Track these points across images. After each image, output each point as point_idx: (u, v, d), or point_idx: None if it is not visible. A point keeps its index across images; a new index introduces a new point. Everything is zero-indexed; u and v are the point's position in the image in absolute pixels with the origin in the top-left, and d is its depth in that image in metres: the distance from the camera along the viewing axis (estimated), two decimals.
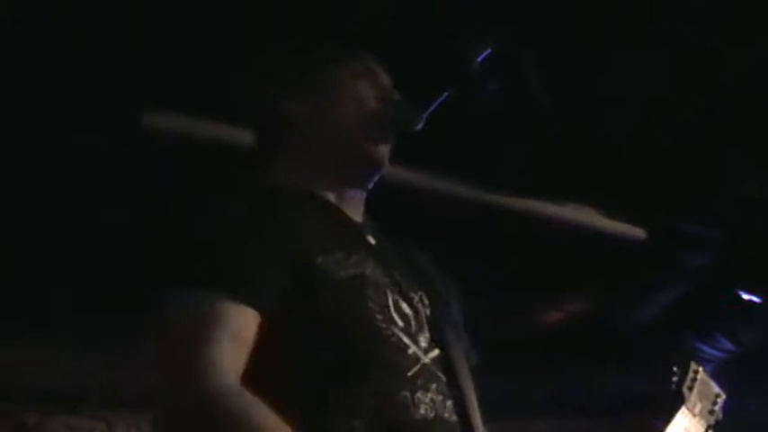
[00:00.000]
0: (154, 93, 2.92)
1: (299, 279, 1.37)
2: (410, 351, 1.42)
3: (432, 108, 1.69)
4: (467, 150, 3.24)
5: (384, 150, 1.65)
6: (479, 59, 1.64)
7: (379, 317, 1.41)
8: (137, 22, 2.67)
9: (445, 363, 1.48)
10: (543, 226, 3.76)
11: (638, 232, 4.03)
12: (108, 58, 2.76)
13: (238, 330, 1.30)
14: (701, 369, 2.57)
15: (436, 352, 1.47)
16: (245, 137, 2.95)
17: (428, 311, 1.53)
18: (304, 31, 2.46)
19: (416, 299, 1.52)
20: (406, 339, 1.43)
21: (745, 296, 4.49)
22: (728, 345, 5.04)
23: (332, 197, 1.61)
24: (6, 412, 4.61)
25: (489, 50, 1.65)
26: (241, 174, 1.71)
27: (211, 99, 2.98)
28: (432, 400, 1.40)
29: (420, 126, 1.70)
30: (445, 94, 1.67)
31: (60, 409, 4.71)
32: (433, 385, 1.42)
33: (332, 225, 1.55)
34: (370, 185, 1.68)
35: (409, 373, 1.40)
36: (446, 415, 1.43)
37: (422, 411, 1.38)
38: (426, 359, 1.44)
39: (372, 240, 1.60)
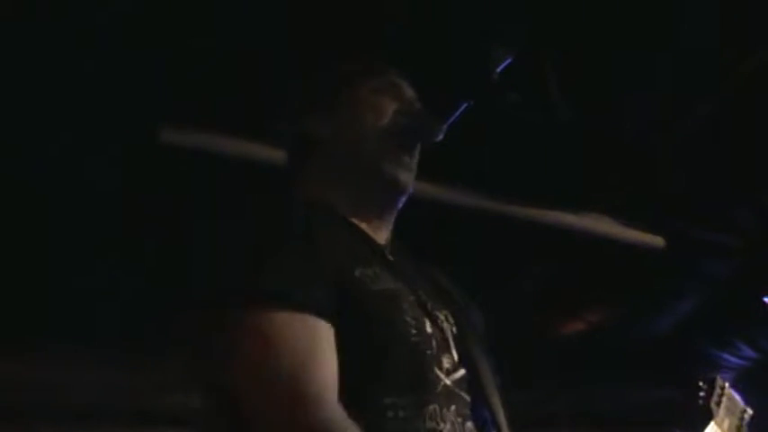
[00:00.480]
0: (171, 109, 2.93)
1: (342, 290, 1.36)
2: (437, 369, 1.42)
3: (452, 119, 1.67)
4: (484, 161, 3.23)
5: (406, 175, 1.61)
6: (500, 69, 1.63)
7: (414, 331, 1.41)
8: (154, 38, 2.68)
9: (471, 383, 1.48)
10: (563, 236, 3.74)
11: (657, 241, 4.01)
12: (125, 75, 2.77)
13: (326, 344, 1.30)
14: (726, 384, 2.55)
15: (461, 372, 1.47)
16: (262, 152, 3.01)
17: (454, 330, 1.52)
18: (324, 43, 2.46)
19: (441, 318, 1.51)
20: (435, 355, 1.42)
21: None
22: (749, 352, 5.01)
23: (355, 217, 1.60)
24: (22, 426, 4.62)
25: (510, 60, 1.63)
26: (276, 190, 1.68)
27: (228, 115, 2.99)
28: (453, 421, 1.40)
29: (440, 137, 1.68)
30: (465, 104, 1.66)
31: (75, 424, 4.72)
32: (453, 407, 1.41)
33: (358, 242, 1.54)
34: (396, 208, 1.65)
35: (437, 390, 1.40)
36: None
37: (447, 427, 1.38)
38: (448, 380, 1.43)
39: (394, 260, 1.58)
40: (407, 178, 1.62)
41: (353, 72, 1.71)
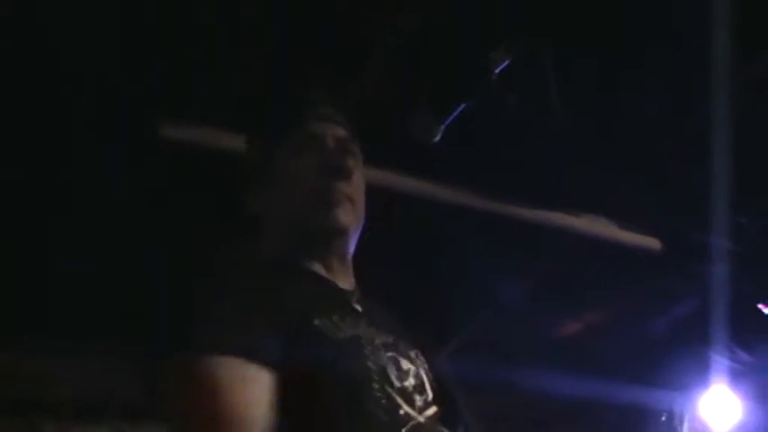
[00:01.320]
0: (170, 104, 2.94)
1: (297, 340, 1.38)
2: (401, 411, 1.42)
3: (450, 119, 1.68)
4: (481, 161, 3.23)
5: (337, 214, 1.61)
6: (498, 70, 1.64)
7: (376, 377, 1.42)
8: (154, 32, 2.68)
9: (445, 420, 1.50)
10: (558, 238, 3.75)
11: (653, 243, 4.01)
12: (125, 70, 2.78)
13: (257, 390, 1.32)
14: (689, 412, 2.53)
15: (433, 409, 1.48)
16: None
17: (426, 369, 1.54)
18: (318, 43, 2.46)
19: (412, 358, 1.52)
20: (399, 399, 1.43)
21: (765, 309, 4.47)
22: (745, 357, 5.01)
23: (318, 267, 1.62)
24: (25, 423, 4.62)
25: (508, 61, 1.64)
26: (236, 243, 1.70)
27: (228, 110, 2.99)
28: None
29: (438, 137, 1.69)
30: (463, 104, 1.67)
31: (79, 420, 4.72)
32: None
33: (321, 292, 1.56)
34: (348, 250, 1.66)
35: (404, 429, 1.41)
36: None
37: None
38: (421, 418, 1.44)
39: (359, 307, 1.59)
40: (340, 217, 1.62)
41: (273, 134, 1.71)
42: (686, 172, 3.55)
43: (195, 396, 1.29)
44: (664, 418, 2.81)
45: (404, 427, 1.40)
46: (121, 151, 3.00)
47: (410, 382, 1.46)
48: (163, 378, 1.36)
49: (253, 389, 1.30)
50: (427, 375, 1.51)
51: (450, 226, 3.43)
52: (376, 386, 1.40)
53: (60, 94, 2.81)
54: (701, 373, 5.16)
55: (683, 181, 3.63)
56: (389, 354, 1.47)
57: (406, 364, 1.48)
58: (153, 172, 3.16)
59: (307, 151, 1.64)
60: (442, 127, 1.68)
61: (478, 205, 3.41)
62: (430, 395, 1.48)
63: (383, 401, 1.40)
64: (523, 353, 4.69)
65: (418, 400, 1.45)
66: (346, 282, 1.64)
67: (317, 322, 1.42)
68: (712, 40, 2.58)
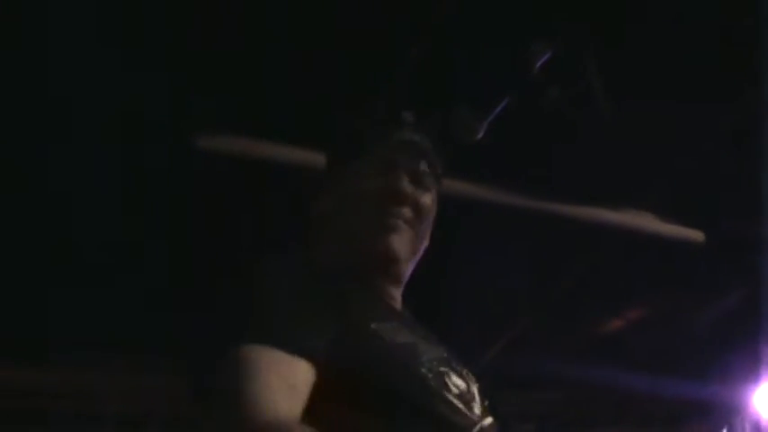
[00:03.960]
0: (206, 114, 2.94)
1: (355, 340, 1.38)
2: (465, 414, 1.42)
3: (492, 116, 1.65)
4: (522, 158, 3.20)
5: (390, 241, 1.58)
6: (539, 65, 1.61)
7: (433, 383, 1.41)
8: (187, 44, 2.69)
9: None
10: (602, 233, 3.71)
11: (697, 235, 3.96)
12: (161, 80, 2.78)
13: (292, 379, 1.29)
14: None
15: (489, 420, 1.47)
16: (295, 155, 3.01)
17: (477, 386, 1.53)
18: (361, 44, 2.45)
19: (464, 373, 1.52)
20: (460, 404, 1.43)
21: None
22: None
23: (369, 284, 1.60)
24: None
25: (549, 55, 1.61)
26: (292, 247, 1.69)
27: (262, 119, 2.99)
28: None
29: (480, 135, 1.67)
30: (505, 101, 1.64)
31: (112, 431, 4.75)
32: None
33: (375, 303, 1.55)
34: (400, 276, 1.65)
35: (474, 430, 1.40)
36: None
37: None
38: (484, 423, 1.44)
39: (411, 325, 1.58)
40: (395, 245, 1.60)
41: (354, 146, 1.70)
42: (731, 162, 3.50)
43: (230, 379, 1.27)
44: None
45: (472, 428, 1.39)
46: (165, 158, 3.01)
47: (464, 393, 1.45)
48: (208, 377, 1.33)
49: (284, 373, 1.28)
50: (478, 392, 1.50)
51: (493, 224, 3.41)
52: (434, 386, 1.40)
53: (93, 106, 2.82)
54: (752, 367, 5.08)
55: (727, 171, 3.57)
56: (443, 367, 1.46)
57: (457, 379, 1.47)
58: (190, 179, 3.17)
59: (376, 174, 1.63)
60: (485, 124, 1.64)
61: (520, 202, 3.38)
62: (482, 408, 1.46)
63: (446, 403, 1.39)
64: (568, 350, 4.65)
65: (476, 408, 1.45)
66: (396, 303, 1.64)
67: (374, 326, 1.41)
68: (759, 26, 2.54)
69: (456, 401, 1.42)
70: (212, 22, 2.67)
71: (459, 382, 1.47)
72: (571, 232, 3.68)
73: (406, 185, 1.61)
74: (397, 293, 1.65)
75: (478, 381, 1.55)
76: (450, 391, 1.42)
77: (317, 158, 2.78)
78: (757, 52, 2.77)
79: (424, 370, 1.41)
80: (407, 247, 1.61)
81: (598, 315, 4.78)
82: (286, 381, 1.28)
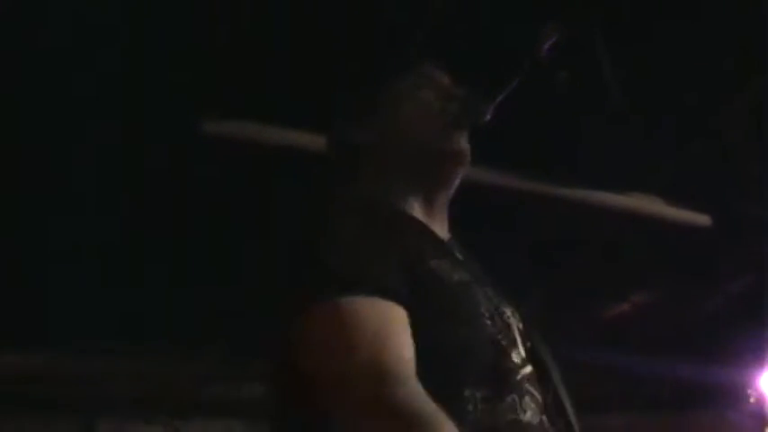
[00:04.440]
0: (212, 100, 2.94)
1: (418, 281, 1.37)
2: (514, 360, 1.42)
3: (499, 100, 1.65)
4: (529, 141, 3.20)
5: (463, 143, 1.63)
6: (547, 47, 1.60)
7: (489, 322, 1.42)
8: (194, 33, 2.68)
9: (539, 377, 1.47)
10: (608, 217, 3.71)
11: (704, 219, 3.95)
12: (166, 68, 2.78)
13: (404, 327, 1.31)
14: None
15: (528, 369, 1.45)
16: (301, 139, 3.01)
17: (520, 326, 1.51)
18: (367, 29, 2.45)
19: (508, 315, 1.50)
20: (510, 348, 1.43)
21: None
22: None
23: (418, 213, 1.61)
24: (81, 421, 4.69)
25: (557, 38, 1.60)
26: (332, 191, 1.69)
27: (268, 104, 2.99)
28: (532, 411, 1.39)
29: (488, 118, 1.66)
30: (512, 85, 1.63)
31: (132, 418, 4.77)
32: (527, 398, 1.41)
33: (428, 237, 1.55)
34: (452, 190, 1.66)
35: (517, 378, 1.40)
36: (547, 425, 1.42)
37: (528, 415, 1.37)
38: (525, 371, 1.43)
39: (460, 256, 1.58)
40: (465, 147, 1.63)
41: (386, 72, 1.75)
42: (737, 146, 3.49)
43: (351, 339, 1.27)
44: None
45: (516, 375, 1.39)
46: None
47: (510, 336, 1.45)
48: (310, 323, 1.32)
49: (404, 330, 1.29)
50: (520, 333, 1.48)
51: (499, 208, 3.41)
52: (493, 330, 1.40)
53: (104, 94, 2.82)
54: (759, 351, 5.09)
55: (733, 155, 3.57)
56: (493, 305, 1.46)
57: (507, 318, 1.47)
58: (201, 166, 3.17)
59: (425, 88, 1.67)
60: (492, 107, 1.63)
61: (526, 186, 3.38)
62: (523, 353, 1.45)
63: (497, 348, 1.40)
64: (575, 334, 4.64)
65: (515, 356, 1.43)
66: (442, 231, 1.63)
67: (432, 263, 1.42)
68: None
69: (508, 344, 1.42)
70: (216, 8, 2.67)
71: (508, 320, 1.47)
72: (577, 216, 3.68)
73: (455, 89, 1.66)
74: (442, 219, 1.64)
75: (522, 317, 1.54)
76: (503, 331, 1.43)
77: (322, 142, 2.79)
78: (766, 36, 2.76)
79: (482, 309, 1.42)
80: (469, 151, 1.64)
81: (605, 299, 4.78)
82: (405, 336, 1.29)
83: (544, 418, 1.42)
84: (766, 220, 3.97)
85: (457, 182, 1.65)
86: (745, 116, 3.33)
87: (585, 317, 4.79)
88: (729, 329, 4.87)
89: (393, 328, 1.29)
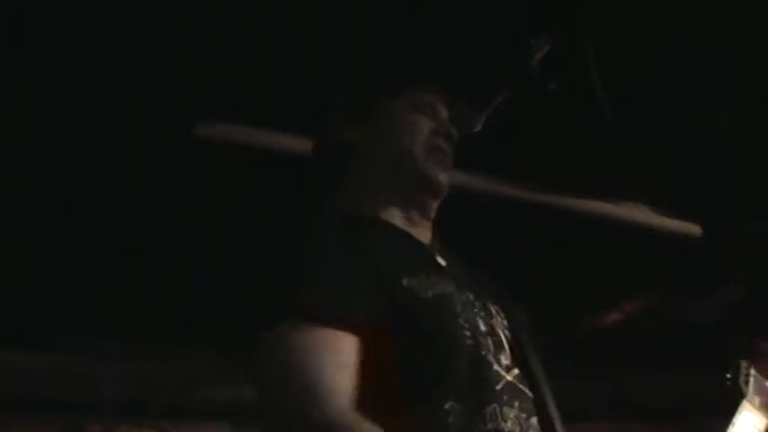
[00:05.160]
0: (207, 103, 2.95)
1: (388, 300, 1.40)
2: (494, 368, 1.44)
3: (490, 109, 1.67)
4: (519, 150, 3.21)
5: (443, 177, 1.69)
6: (538, 57, 1.62)
7: (468, 334, 1.44)
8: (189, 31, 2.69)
9: (526, 381, 1.50)
10: (599, 225, 3.72)
11: (695, 229, 3.97)
12: (162, 69, 2.79)
13: (344, 356, 1.34)
14: (751, 367, 2.58)
15: (516, 371, 1.48)
16: (295, 144, 3.02)
17: (506, 330, 1.54)
18: (363, 38, 2.46)
19: (493, 317, 1.53)
20: (490, 357, 1.45)
21: None
22: None
23: (399, 221, 1.64)
24: (71, 422, 4.68)
25: (547, 48, 1.62)
26: (310, 198, 1.72)
27: (263, 108, 3.00)
28: (516, 416, 1.41)
29: (479, 128, 1.68)
30: (504, 94, 1.65)
31: (123, 419, 4.77)
32: (517, 402, 1.44)
33: (405, 249, 1.57)
34: (433, 212, 1.70)
35: (497, 387, 1.42)
36: (533, 428, 1.45)
37: (509, 425, 1.40)
38: (509, 377, 1.46)
39: (443, 262, 1.60)
40: (445, 181, 1.69)
41: (388, 87, 1.80)
42: (728, 157, 3.51)
43: (283, 366, 1.32)
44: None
45: (497, 385, 1.42)
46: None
47: (495, 340, 1.48)
48: (261, 348, 1.37)
49: (341, 355, 1.32)
50: (504, 333, 1.52)
51: (488, 215, 3.42)
52: (470, 343, 1.42)
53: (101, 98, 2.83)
54: (749, 361, 5.10)
55: (724, 166, 3.58)
56: (477, 310, 1.49)
57: (491, 321, 1.50)
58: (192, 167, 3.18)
59: (424, 114, 1.72)
60: (483, 117, 1.65)
61: (518, 194, 3.40)
62: (509, 355, 1.49)
63: (477, 360, 1.42)
64: (566, 343, 4.66)
65: (503, 359, 1.47)
66: (426, 235, 1.67)
67: (405, 282, 1.44)
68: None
69: (488, 354, 1.44)
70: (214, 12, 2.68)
71: (492, 323, 1.50)
72: (569, 225, 3.69)
73: (451, 129, 1.71)
74: (424, 225, 1.68)
75: (508, 316, 1.57)
76: (484, 340, 1.45)
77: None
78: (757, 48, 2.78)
79: (460, 320, 1.44)
80: (446, 190, 1.70)
81: (596, 308, 4.80)
82: (337, 361, 1.32)
83: (533, 420, 1.45)
84: (758, 230, 4.00)
85: (434, 208, 1.70)
86: (738, 125, 3.34)
87: (576, 325, 4.80)
88: (719, 339, 4.89)
89: (330, 356, 1.32)
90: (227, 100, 2.92)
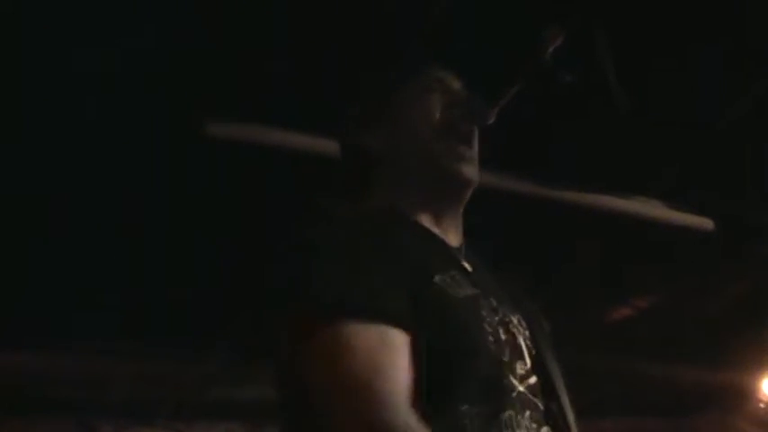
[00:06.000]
0: (216, 101, 2.94)
1: (421, 297, 1.37)
2: (513, 375, 1.43)
3: (503, 102, 1.65)
4: (531, 145, 3.20)
5: (468, 167, 1.61)
6: (552, 50, 1.60)
7: (492, 339, 1.42)
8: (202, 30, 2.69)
9: (544, 389, 1.48)
10: (611, 220, 3.71)
11: (706, 223, 3.95)
12: (171, 68, 2.79)
13: (401, 353, 1.31)
14: None
15: (534, 379, 1.47)
16: (304, 142, 3.01)
17: (526, 335, 1.52)
18: (372, 31, 2.45)
19: (514, 323, 1.51)
20: (511, 362, 1.43)
21: None
22: None
23: (427, 221, 1.60)
24: (82, 423, 4.69)
25: (561, 41, 1.60)
26: (337, 198, 1.69)
27: (271, 106, 2.99)
28: (527, 427, 1.40)
29: (491, 121, 1.66)
30: (516, 87, 1.63)
31: (134, 420, 4.78)
32: (528, 413, 1.42)
33: (434, 248, 1.54)
34: (463, 203, 1.65)
35: (513, 395, 1.41)
36: None
37: (524, 431, 1.39)
38: (521, 387, 1.43)
39: (467, 266, 1.57)
40: (471, 170, 1.62)
41: (397, 78, 1.72)
42: (740, 151, 3.50)
43: (346, 366, 1.28)
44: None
45: (513, 392, 1.39)
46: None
47: (514, 348, 1.45)
48: (311, 344, 1.33)
49: (399, 355, 1.30)
50: (525, 343, 1.49)
51: (501, 211, 3.40)
52: (492, 348, 1.40)
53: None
54: (761, 354, 5.09)
55: (736, 160, 3.57)
56: (501, 317, 1.47)
57: (513, 328, 1.48)
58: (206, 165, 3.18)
59: (434, 91, 1.65)
60: (496, 110, 1.63)
61: (529, 189, 3.38)
62: (528, 364, 1.46)
63: (497, 365, 1.40)
64: (576, 338, 4.64)
65: (519, 368, 1.44)
66: (454, 238, 1.62)
67: (437, 279, 1.41)
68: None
69: (509, 359, 1.43)
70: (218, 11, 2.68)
71: (514, 330, 1.48)
72: (580, 219, 3.68)
73: (464, 92, 1.66)
74: (455, 226, 1.64)
75: (530, 326, 1.54)
76: (505, 346, 1.43)
77: (324, 145, 2.80)
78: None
79: (485, 325, 1.42)
80: (475, 172, 1.63)
81: (606, 303, 4.78)
82: (399, 363, 1.30)
83: (544, 429, 1.43)
84: (765, 226, 3.98)
85: (467, 197, 1.64)
86: (748, 119, 3.33)
87: (586, 320, 4.78)
88: (730, 333, 4.87)
89: (387, 357, 1.29)
90: (227, 100, 2.91)
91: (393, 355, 1.30)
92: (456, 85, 1.70)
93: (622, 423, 5.64)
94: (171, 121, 2.94)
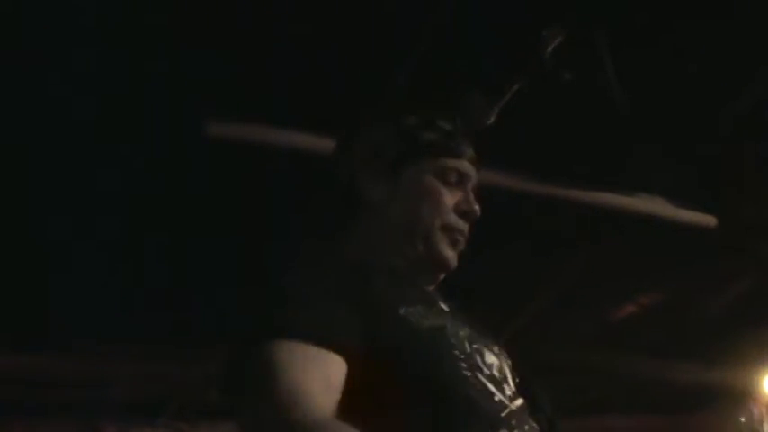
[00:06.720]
0: (215, 102, 2.94)
1: (383, 328, 1.39)
2: (496, 398, 1.43)
3: (503, 102, 1.65)
4: (535, 142, 3.20)
5: (453, 257, 1.62)
6: (551, 49, 1.60)
7: (464, 365, 1.42)
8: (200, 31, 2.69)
9: (530, 408, 1.48)
10: (614, 218, 3.70)
11: (710, 220, 3.95)
12: (171, 69, 2.79)
13: (328, 374, 1.32)
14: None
15: (520, 401, 1.47)
16: (304, 142, 3.01)
17: (508, 362, 1.53)
18: (372, 31, 2.45)
19: (496, 351, 1.52)
20: (491, 387, 1.43)
21: None
22: None
23: (405, 272, 1.61)
24: (85, 422, 4.69)
25: (560, 40, 1.61)
26: (320, 240, 1.68)
27: (271, 106, 2.99)
28: None
29: (492, 120, 1.66)
30: (517, 86, 1.63)
31: (138, 420, 4.78)
32: (526, 426, 1.43)
33: (408, 287, 1.56)
34: (438, 281, 1.67)
35: (502, 414, 1.41)
36: None
37: None
38: (513, 406, 1.44)
39: (445, 307, 1.59)
40: (455, 258, 1.63)
41: (425, 142, 1.67)
42: (742, 149, 3.49)
43: (263, 375, 1.30)
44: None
45: (501, 412, 1.40)
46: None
47: (496, 373, 1.46)
48: (239, 364, 1.37)
49: (318, 368, 1.31)
50: (510, 370, 1.50)
51: (504, 208, 3.40)
52: (467, 373, 1.40)
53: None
54: (763, 352, 5.08)
55: (739, 158, 3.56)
56: (475, 345, 1.46)
57: (490, 357, 1.48)
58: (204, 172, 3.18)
59: (454, 186, 1.63)
60: (496, 109, 1.63)
61: (532, 187, 3.38)
62: (512, 386, 1.47)
63: (477, 387, 1.40)
64: (579, 336, 4.65)
65: (507, 389, 1.45)
66: (428, 285, 1.64)
67: (402, 311, 1.42)
68: None
69: (488, 383, 1.42)
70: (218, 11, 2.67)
71: (492, 359, 1.48)
72: (583, 217, 3.67)
73: (476, 207, 1.64)
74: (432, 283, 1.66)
75: (510, 356, 1.55)
76: (481, 371, 1.43)
77: (323, 144, 2.79)
78: None
79: (456, 351, 1.42)
80: (456, 261, 1.64)
81: (610, 300, 4.78)
82: (321, 377, 1.30)
83: None
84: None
85: (439, 279, 1.66)
86: (750, 117, 3.33)
87: (589, 318, 4.78)
88: (733, 331, 4.87)
89: (305, 367, 1.30)
90: (228, 100, 2.91)
91: (324, 372, 1.31)
92: (472, 181, 1.67)
93: (622, 421, 5.64)
94: (171, 121, 2.94)
